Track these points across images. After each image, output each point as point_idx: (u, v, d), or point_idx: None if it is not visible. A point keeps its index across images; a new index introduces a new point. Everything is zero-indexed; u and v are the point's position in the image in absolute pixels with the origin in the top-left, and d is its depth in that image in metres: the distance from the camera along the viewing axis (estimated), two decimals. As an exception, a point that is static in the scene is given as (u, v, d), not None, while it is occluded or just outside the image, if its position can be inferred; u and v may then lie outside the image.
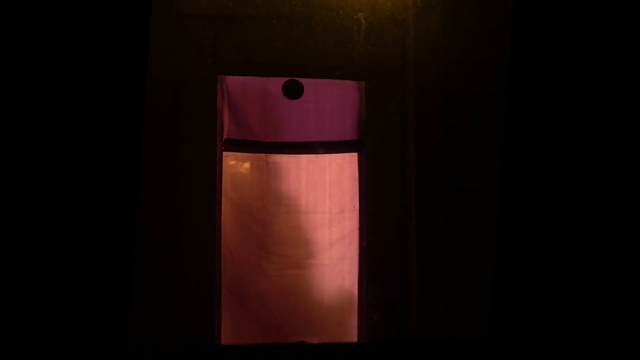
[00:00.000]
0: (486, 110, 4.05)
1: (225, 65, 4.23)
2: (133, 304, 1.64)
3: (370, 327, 4.15)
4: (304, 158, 4.37)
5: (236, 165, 4.35)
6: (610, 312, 1.59)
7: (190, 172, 4.10)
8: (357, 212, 4.33)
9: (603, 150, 1.61)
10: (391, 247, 4.16)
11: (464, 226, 4.02)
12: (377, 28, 4.22)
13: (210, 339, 4.06)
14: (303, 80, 4.31)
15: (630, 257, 1.58)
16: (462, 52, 4.09)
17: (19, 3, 1.52)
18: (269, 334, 4.21)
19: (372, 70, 4.25)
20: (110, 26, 1.57)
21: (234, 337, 4.23)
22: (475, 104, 4.09)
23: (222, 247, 4.24)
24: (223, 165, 4.27)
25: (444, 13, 4.09)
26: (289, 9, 4.19)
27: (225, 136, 4.30)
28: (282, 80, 4.30)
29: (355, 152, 4.37)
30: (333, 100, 4.40)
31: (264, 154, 4.35)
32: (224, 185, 4.27)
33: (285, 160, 4.36)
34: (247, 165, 4.36)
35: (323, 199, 4.36)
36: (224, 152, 4.28)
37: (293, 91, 4.30)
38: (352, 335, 4.27)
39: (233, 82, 4.33)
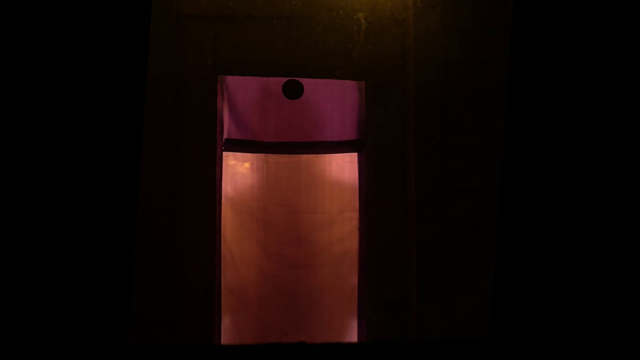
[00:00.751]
0: (486, 110, 4.05)
1: (225, 65, 4.23)
2: (133, 304, 1.64)
3: (370, 327, 4.15)
4: (304, 158, 4.37)
5: (236, 165, 4.35)
6: (610, 312, 1.59)
7: (190, 172, 4.10)
8: (357, 212, 4.32)
9: (603, 150, 1.61)
10: (391, 247, 4.16)
11: (464, 226, 4.02)
12: (377, 28, 4.23)
13: (210, 339, 4.06)
14: (303, 80, 4.31)
15: (630, 257, 1.59)
16: (462, 52, 4.09)
17: (19, 3, 1.52)
18: (269, 334, 4.21)
19: (372, 70, 4.25)
20: (111, 26, 1.57)
21: (234, 337, 4.23)
22: (475, 104, 4.09)
23: (222, 247, 4.24)
24: (223, 165, 4.27)
25: (444, 13, 4.09)
26: (289, 9, 4.19)
27: (225, 136, 4.30)
28: (282, 80, 4.30)
29: (355, 152, 4.37)
30: (333, 100, 4.40)
31: (264, 154, 4.35)
32: (224, 185, 4.27)
33: (285, 160, 4.36)
34: (247, 165, 4.35)
35: (323, 199, 4.36)
36: (224, 152, 4.28)
37: (293, 91, 4.30)
38: (352, 335, 4.27)
39: (233, 82, 4.33)
